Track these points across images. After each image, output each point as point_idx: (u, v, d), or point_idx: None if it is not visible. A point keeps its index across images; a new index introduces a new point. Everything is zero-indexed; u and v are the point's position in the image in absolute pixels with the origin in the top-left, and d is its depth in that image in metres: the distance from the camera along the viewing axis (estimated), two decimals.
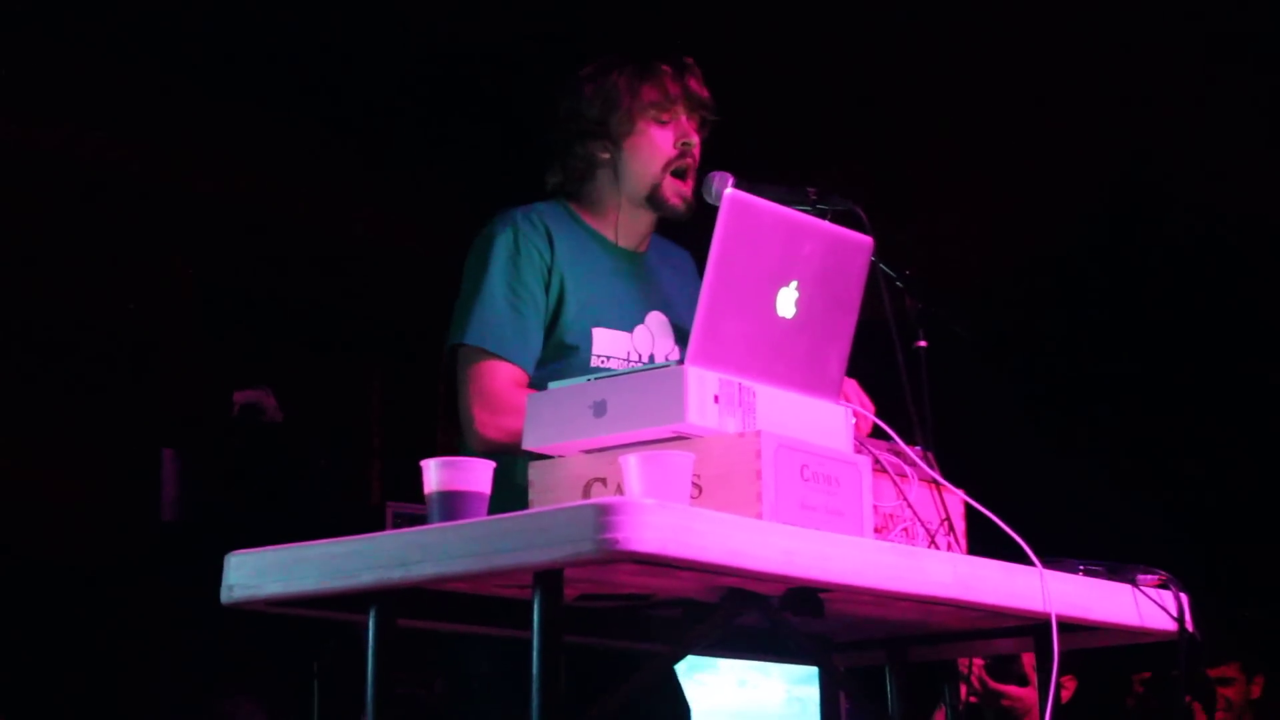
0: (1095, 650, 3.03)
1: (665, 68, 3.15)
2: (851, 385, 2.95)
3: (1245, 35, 5.45)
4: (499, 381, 3.01)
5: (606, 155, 3.16)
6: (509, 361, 3.02)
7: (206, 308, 6.37)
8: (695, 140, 3.16)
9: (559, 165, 3.22)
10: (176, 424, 6.01)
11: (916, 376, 3.01)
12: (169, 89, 5.81)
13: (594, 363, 3.08)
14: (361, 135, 6.23)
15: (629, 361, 3.11)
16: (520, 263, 3.07)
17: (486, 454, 2.60)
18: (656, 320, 3.19)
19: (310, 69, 5.75)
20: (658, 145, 3.15)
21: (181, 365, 6.18)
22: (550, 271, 3.09)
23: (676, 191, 3.15)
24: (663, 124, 3.15)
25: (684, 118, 3.16)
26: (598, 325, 3.11)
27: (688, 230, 3.22)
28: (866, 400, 2.98)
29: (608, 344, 3.11)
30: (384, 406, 6.89)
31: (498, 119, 5.95)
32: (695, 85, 3.17)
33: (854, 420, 2.69)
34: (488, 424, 2.97)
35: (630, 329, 3.15)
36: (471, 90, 5.93)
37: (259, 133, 6.17)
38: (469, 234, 3.21)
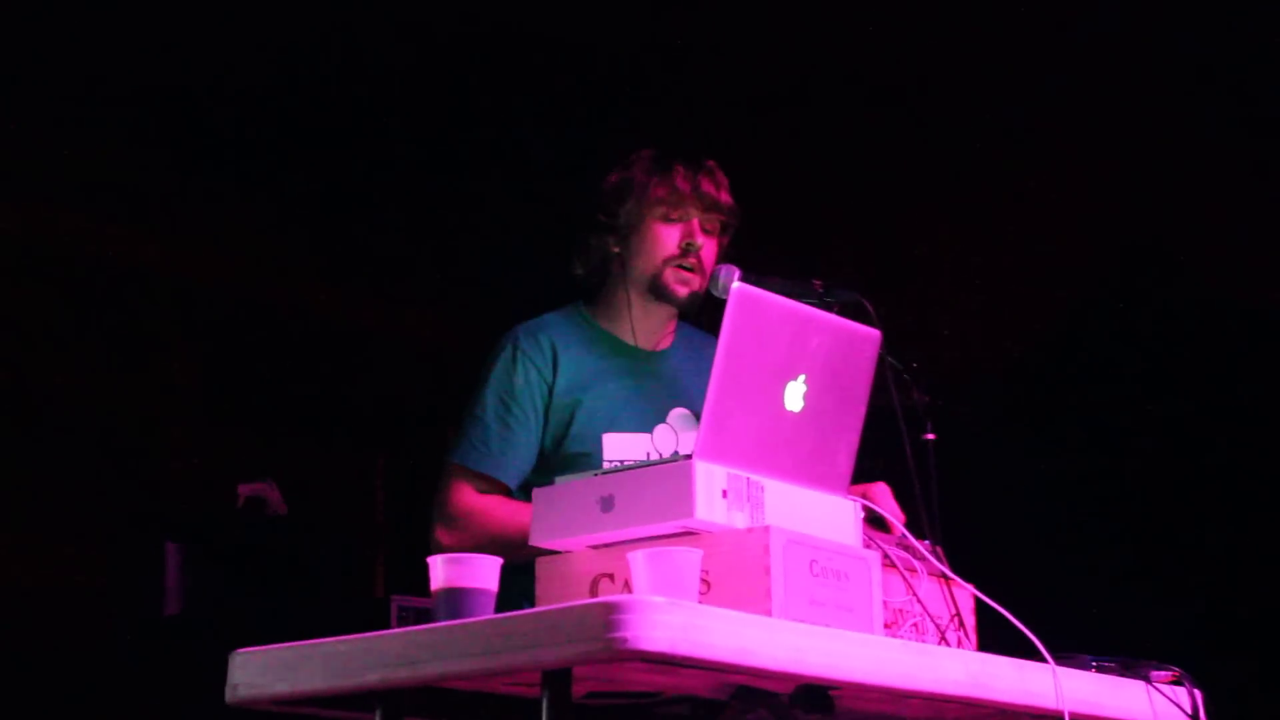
0: None
1: (679, 166, 3.18)
2: (883, 490, 2.94)
3: (1253, 115, 5.44)
4: (463, 495, 3.12)
5: (616, 250, 3.22)
6: (484, 475, 3.12)
7: (211, 399, 6.36)
8: (702, 243, 3.18)
9: (578, 256, 3.30)
10: (180, 516, 5.98)
11: (925, 469, 2.99)
12: (170, 177, 5.82)
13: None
14: (368, 226, 6.23)
15: None
16: (515, 380, 3.14)
17: None
18: (679, 416, 3.19)
19: (313, 157, 5.76)
20: (661, 241, 3.18)
21: (186, 457, 6.16)
22: (551, 390, 3.12)
23: (679, 279, 3.18)
24: (670, 222, 3.17)
25: (696, 220, 3.18)
26: (609, 430, 3.12)
27: (702, 324, 3.24)
28: (896, 508, 2.94)
29: (621, 448, 3.12)
30: (389, 499, 6.86)
31: (507, 212, 5.95)
32: (708, 186, 3.19)
33: (892, 528, 2.70)
34: (444, 536, 3.11)
35: (649, 429, 3.15)
36: (477, 183, 5.94)
37: (264, 222, 6.17)
38: (475, 327, 3.25)
